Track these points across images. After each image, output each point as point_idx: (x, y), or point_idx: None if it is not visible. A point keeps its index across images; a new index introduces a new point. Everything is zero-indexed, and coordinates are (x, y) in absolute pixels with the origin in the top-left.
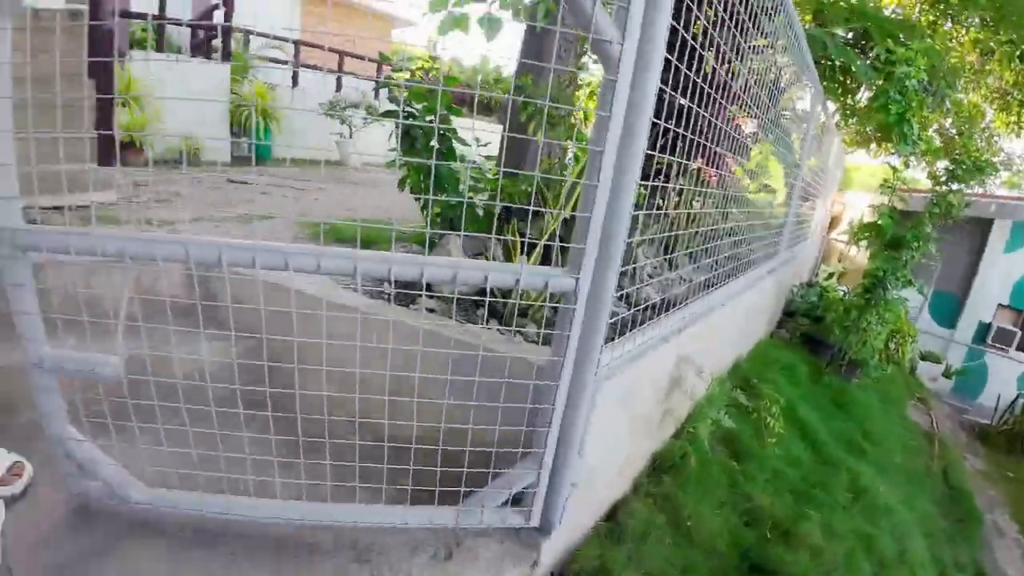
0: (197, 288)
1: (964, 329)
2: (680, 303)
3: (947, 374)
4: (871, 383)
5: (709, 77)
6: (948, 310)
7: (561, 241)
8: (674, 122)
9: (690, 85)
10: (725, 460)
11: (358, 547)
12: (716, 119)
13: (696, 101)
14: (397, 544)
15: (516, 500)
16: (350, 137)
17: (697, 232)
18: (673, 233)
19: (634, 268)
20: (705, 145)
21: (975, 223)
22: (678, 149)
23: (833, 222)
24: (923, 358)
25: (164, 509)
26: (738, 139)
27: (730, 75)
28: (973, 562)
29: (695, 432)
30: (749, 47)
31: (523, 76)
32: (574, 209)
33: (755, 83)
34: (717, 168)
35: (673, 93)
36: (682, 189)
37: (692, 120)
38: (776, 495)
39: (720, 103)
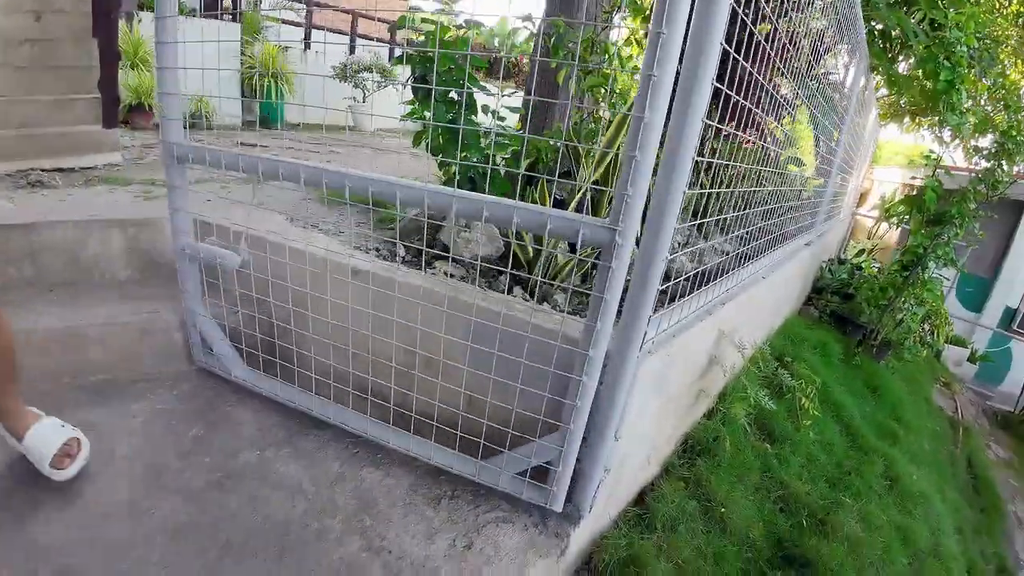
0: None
1: (990, 314)
2: (723, 273)
3: (972, 359)
4: (899, 365)
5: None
6: (975, 293)
7: (594, 202)
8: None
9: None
10: (759, 443)
11: (368, 535)
12: (765, 72)
13: (743, 51)
14: (413, 528)
15: (539, 478)
16: (363, 101)
17: (743, 196)
18: (715, 190)
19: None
20: (751, 104)
21: (1008, 205)
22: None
23: (861, 198)
24: (948, 341)
25: (254, 387)
26: (786, 101)
27: (777, 27)
28: (996, 555)
29: (730, 413)
30: None
31: (553, 19)
32: (609, 168)
33: (803, 38)
34: (760, 130)
35: (745, 14)
36: (723, 147)
37: (741, 74)
38: (811, 481)
39: (772, 52)
